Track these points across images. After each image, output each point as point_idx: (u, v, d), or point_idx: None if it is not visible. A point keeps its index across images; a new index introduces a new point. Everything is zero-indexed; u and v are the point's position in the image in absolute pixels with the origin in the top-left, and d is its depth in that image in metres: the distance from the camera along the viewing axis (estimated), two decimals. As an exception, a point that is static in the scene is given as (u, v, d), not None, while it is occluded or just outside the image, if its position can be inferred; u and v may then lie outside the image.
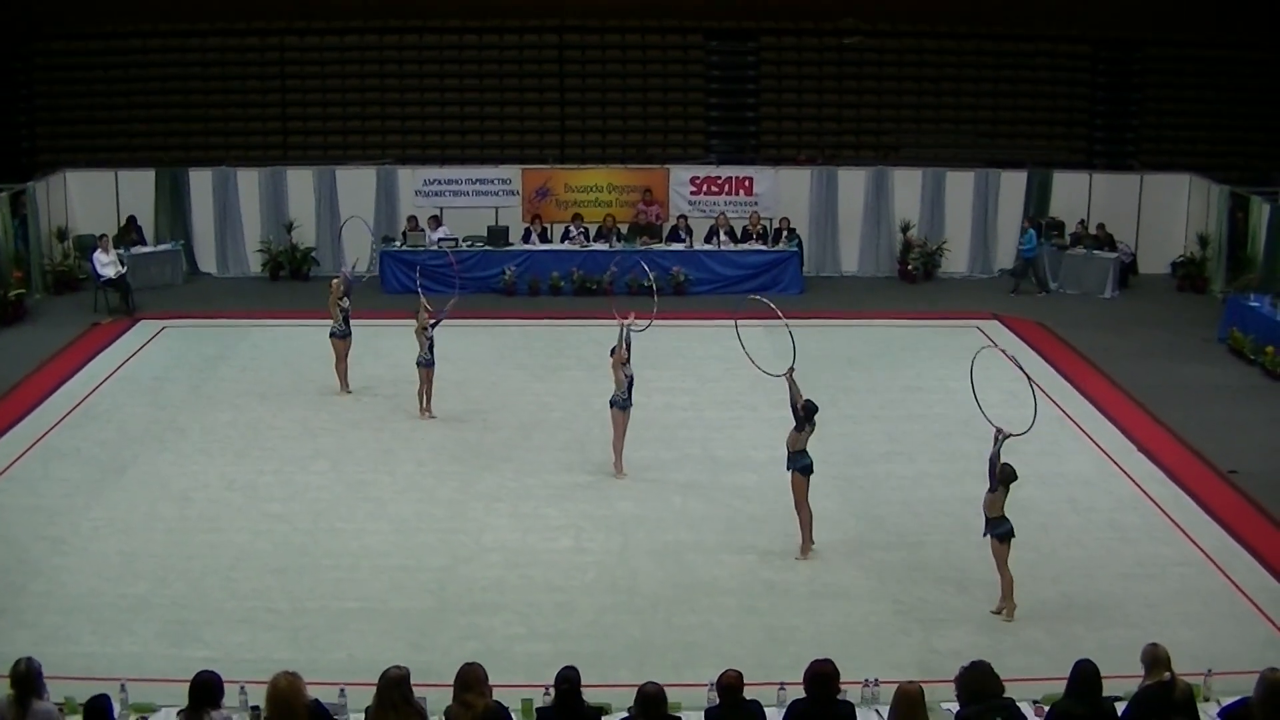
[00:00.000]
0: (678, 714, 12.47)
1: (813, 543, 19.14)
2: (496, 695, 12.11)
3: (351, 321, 25.46)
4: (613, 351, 21.56)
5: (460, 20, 38.14)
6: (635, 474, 21.78)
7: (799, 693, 12.36)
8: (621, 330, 21.60)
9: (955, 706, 12.62)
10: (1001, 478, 17.02)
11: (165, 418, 24.37)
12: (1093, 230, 34.79)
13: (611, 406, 21.64)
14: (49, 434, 23.48)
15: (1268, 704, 11.93)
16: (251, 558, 18.74)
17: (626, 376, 21.43)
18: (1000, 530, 17.07)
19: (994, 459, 17.11)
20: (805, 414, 18.88)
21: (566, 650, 15.38)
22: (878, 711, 13.13)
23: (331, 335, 25.52)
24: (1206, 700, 13.37)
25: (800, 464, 18.90)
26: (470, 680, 11.84)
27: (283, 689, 11.53)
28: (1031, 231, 34.28)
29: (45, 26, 37.26)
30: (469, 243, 34.05)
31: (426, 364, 24.21)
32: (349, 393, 25.53)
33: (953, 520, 19.34)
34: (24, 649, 13.02)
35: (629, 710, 12.13)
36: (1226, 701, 12.76)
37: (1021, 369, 18.22)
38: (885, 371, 27.24)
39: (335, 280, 25.83)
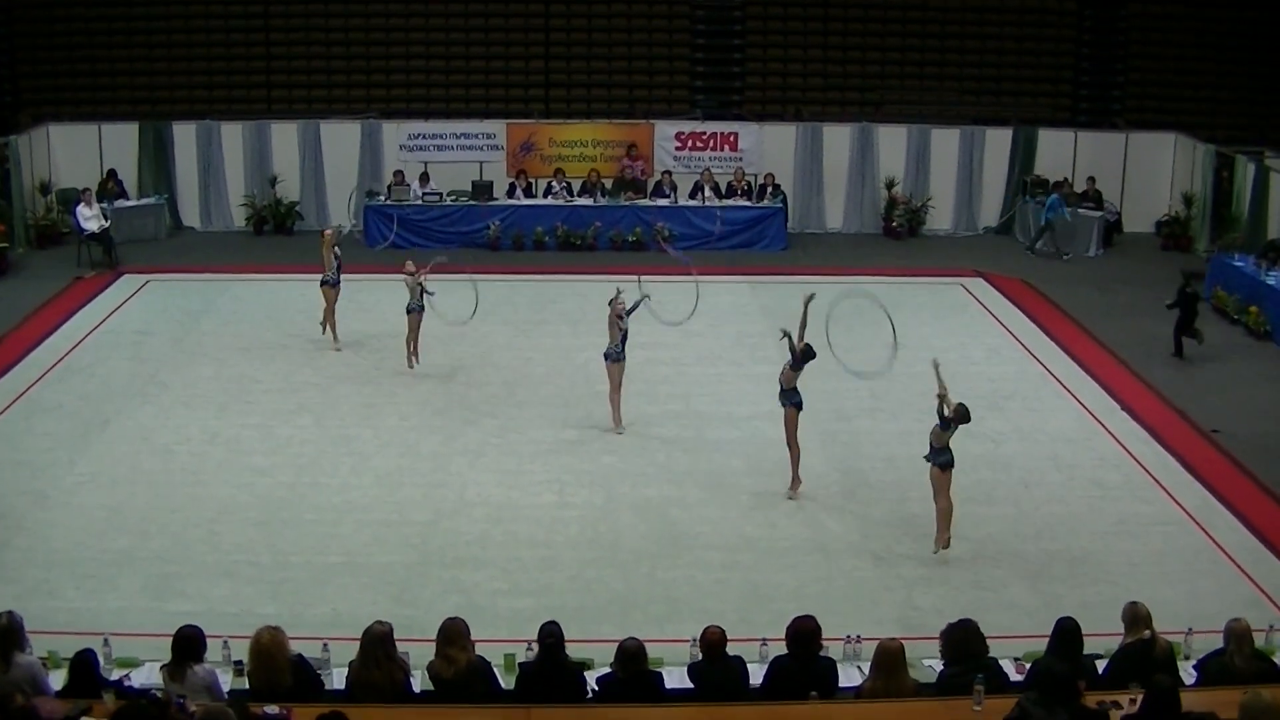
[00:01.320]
0: (659, 668, 12.51)
1: (800, 480, 19.49)
2: (479, 650, 12.18)
3: (341, 274, 25.45)
4: (611, 303, 21.45)
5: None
6: (616, 434, 21.77)
7: (781, 648, 12.44)
8: (642, 300, 21.60)
9: (936, 663, 12.71)
10: (957, 417, 17.19)
11: (148, 372, 24.33)
12: (1083, 185, 34.75)
13: (605, 360, 21.61)
14: (32, 388, 23.43)
15: (1243, 650, 12.14)
16: (234, 511, 18.74)
17: (621, 330, 21.39)
18: (942, 459, 17.23)
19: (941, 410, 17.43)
20: (803, 356, 19.29)
21: (549, 605, 15.39)
22: (859, 668, 13.14)
23: (323, 284, 25.46)
24: (1187, 658, 13.42)
25: (794, 400, 19.31)
26: (453, 635, 11.90)
27: (266, 643, 11.59)
28: (1055, 196, 34.06)
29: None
30: (453, 197, 34.00)
31: (417, 309, 24.10)
32: (338, 350, 25.45)
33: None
34: (6, 604, 13.00)
35: (611, 665, 12.17)
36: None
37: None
38: (868, 328, 27.21)
39: (328, 231, 25.68)
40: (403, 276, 24.17)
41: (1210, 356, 26.04)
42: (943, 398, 17.37)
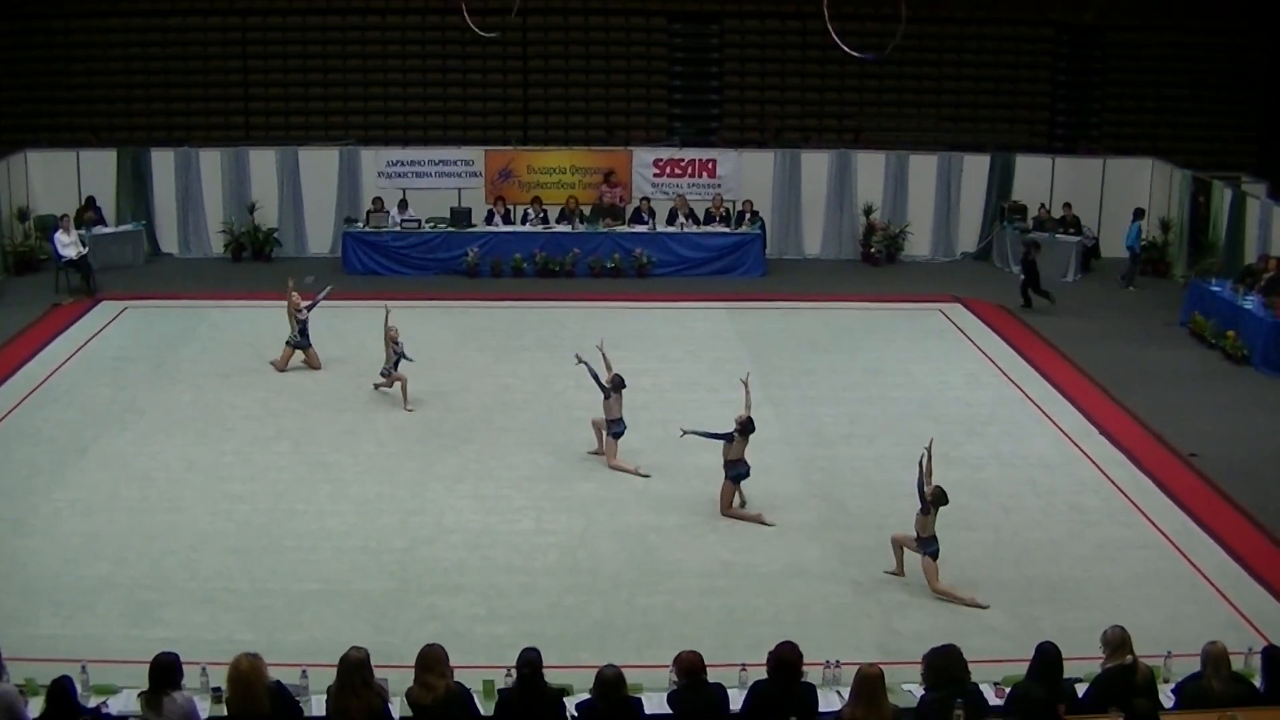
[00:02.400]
0: (638, 695, 12.50)
1: (760, 519, 19.63)
2: (458, 676, 12.17)
3: (317, 301, 25.66)
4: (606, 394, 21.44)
5: (424, 0, 38.02)
6: (597, 456, 21.76)
7: (760, 673, 12.43)
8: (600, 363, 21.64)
9: (916, 688, 12.71)
10: (934, 500, 17.15)
11: (126, 398, 24.25)
12: (1060, 211, 34.85)
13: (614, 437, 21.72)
14: (9, 415, 23.34)
15: (1220, 672, 12.17)
16: (212, 538, 18.66)
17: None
18: (931, 549, 17.19)
19: (920, 480, 17.24)
20: (741, 429, 19.52)
21: (528, 631, 15.40)
22: (839, 693, 13.16)
23: (287, 343, 25.72)
24: (1166, 682, 13.46)
25: (732, 473, 19.68)
26: (431, 661, 11.89)
27: (244, 670, 11.55)
28: (1137, 224, 34.02)
29: (4, 5, 37.01)
30: (431, 224, 33.99)
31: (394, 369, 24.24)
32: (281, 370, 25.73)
33: (912, 502, 19.25)
34: (-17, 630, 12.99)
35: (590, 692, 12.15)
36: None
37: None
38: (846, 354, 27.26)
39: (294, 292, 25.67)
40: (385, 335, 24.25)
41: (1188, 380, 26.12)
42: (923, 478, 17.36)
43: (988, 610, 16.92)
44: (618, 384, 21.29)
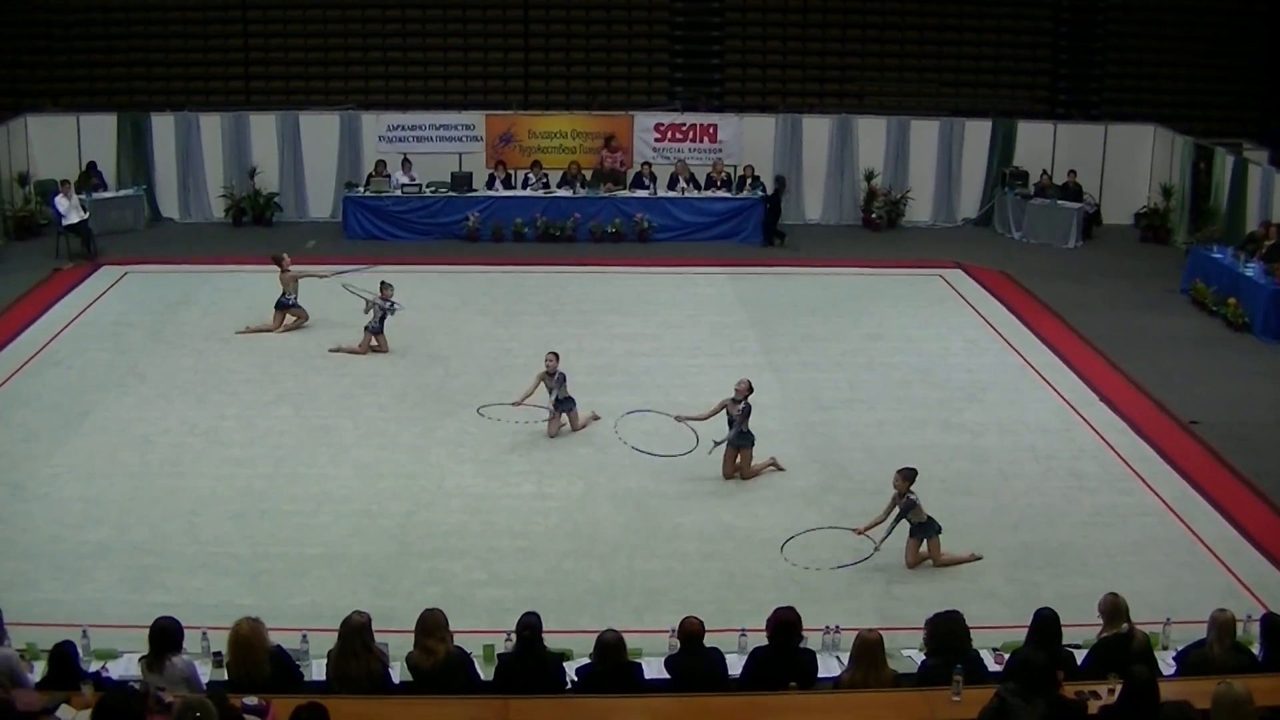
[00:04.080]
0: (638, 659, 12.52)
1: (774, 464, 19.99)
2: (458, 640, 12.20)
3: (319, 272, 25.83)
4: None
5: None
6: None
7: (760, 638, 12.45)
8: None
9: (916, 653, 12.74)
10: (907, 502, 17.11)
11: (126, 363, 24.25)
12: (1064, 178, 34.80)
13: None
14: (9, 380, 23.32)
15: (1223, 640, 12.18)
16: (213, 503, 18.66)
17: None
18: (932, 530, 17.15)
19: (890, 529, 17.22)
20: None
21: (528, 595, 15.42)
22: (838, 658, 13.18)
23: (278, 306, 25.87)
24: (1164, 649, 13.49)
25: (747, 441, 19.85)
26: (432, 625, 11.91)
27: (245, 634, 11.59)
28: None
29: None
30: (432, 188, 33.96)
31: (375, 331, 24.60)
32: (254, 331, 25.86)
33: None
34: (-16, 595, 12.99)
35: (590, 656, 12.18)
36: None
37: None
38: (847, 319, 27.23)
39: (290, 259, 25.88)
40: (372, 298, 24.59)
41: (1188, 347, 26.11)
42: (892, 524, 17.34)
43: (987, 577, 16.92)
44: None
